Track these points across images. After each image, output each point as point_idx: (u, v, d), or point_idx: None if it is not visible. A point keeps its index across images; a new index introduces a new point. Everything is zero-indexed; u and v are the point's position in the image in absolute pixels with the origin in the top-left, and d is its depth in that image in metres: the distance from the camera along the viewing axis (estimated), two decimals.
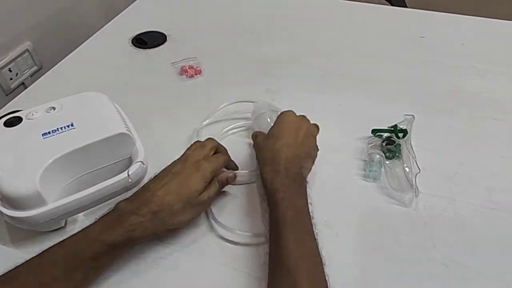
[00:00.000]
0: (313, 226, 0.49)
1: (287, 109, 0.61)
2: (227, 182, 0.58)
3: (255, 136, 0.62)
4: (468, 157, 0.66)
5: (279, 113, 0.63)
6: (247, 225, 0.58)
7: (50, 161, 0.51)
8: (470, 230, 0.56)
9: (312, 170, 0.63)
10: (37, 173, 0.50)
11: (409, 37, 0.94)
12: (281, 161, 0.54)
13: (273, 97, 0.77)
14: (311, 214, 0.51)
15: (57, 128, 0.54)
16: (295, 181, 0.53)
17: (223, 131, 0.70)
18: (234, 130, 0.71)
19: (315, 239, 0.48)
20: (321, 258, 0.46)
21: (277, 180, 0.52)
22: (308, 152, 0.59)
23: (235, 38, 0.96)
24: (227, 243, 0.56)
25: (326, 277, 0.45)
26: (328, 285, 0.44)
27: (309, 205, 0.52)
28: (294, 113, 0.62)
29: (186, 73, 0.83)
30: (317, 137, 0.67)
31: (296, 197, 0.51)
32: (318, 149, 0.62)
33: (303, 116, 0.63)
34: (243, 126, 0.72)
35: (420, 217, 0.58)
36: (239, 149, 0.68)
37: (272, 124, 0.64)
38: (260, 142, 0.60)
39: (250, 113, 0.71)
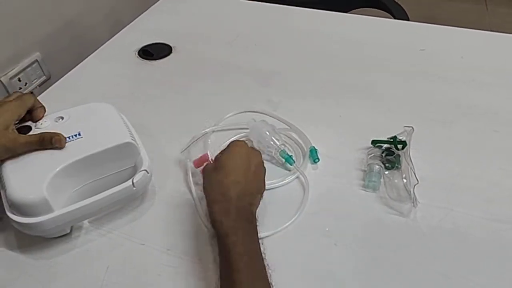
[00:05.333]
0: (267, 268, 0.48)
1: (239, 140, 0.57)
2: (50, 142, 0.54)
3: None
4: (466, 169, 0.67)
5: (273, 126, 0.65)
6: None
7: (58, 169, 0.52)
8: (469, 240, 0.57)
9: (312, 179, 0.65)
10: (45, 181, 0.51)
11: (410, 49, 0.95)
12: (231, 200, 0.50)
13: (274, 107, 0.79)
14: (263, 255, 0.50)
15: (65, 137, 0.56)
16: (247, 221, 0.51)
17: (226, 142, 0.71)
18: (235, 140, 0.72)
19: (268, 283, 0.47)
20: None
21: (228, 222, 0.49)
22: (259, 188, 0.56)
23: (239, 49, 0.98)
24: None
25: None
26: None
27: (261, 244, 0.50)
28: (246, 144, 0.57)
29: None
30: (318, 147, 0.69)
31: (248, 239, 0.49)
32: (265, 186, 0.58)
33: (254, 149, 0.59)
34: (244, 137, 0.73)
35: (418, 228, 0.59)
36: None
37: (271, 137, 0.67)
38: (210, 172, 0.55)
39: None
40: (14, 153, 0.53)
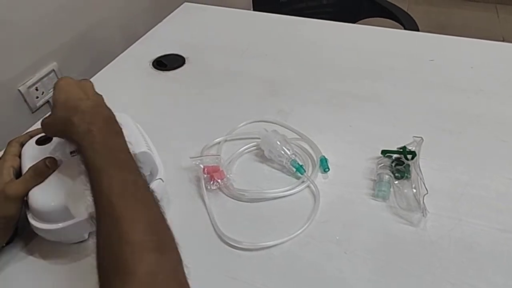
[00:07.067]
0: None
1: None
2: (47, 167, 0.54)
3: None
4: (475, 178, 0.68)
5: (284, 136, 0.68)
6: (254, 236, 0.60)
7: (77, 177, 0.54)
8: (477, 250, 0.58)
9: (323, 188, 0.66)
10: (65, 189, 0.53)
11: (419, 60, 0.96)
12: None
13: (285, 117, 0.81)
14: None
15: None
16: (104, 122, 0.49)
17: (239, 151, 0.73)
18: (246, 150, 0.74)
19: (140, 175, 0.45)
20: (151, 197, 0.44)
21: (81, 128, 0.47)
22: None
23: (250, 59, 1.00)
24: (233, 254, 0.59)
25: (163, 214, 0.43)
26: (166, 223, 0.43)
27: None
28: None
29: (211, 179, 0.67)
30: (328, 157, 0.71)
31: (106, 135, 0.48)
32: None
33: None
34: (254, 146, 0.74)
35: (428, 237, 0.60)
36: (250, 168, 0.72)
37: (282, 147, 0.69)
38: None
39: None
40: (20, 198, 0.53)
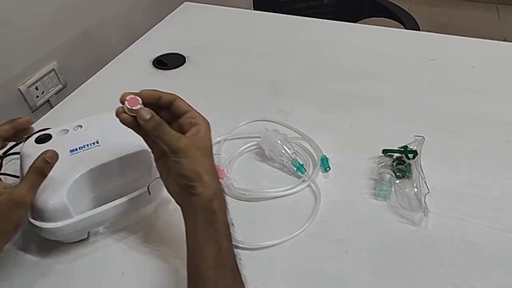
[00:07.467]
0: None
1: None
2: (47, 163, 0.50)
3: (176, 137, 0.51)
4: (476, 178, 0.67)
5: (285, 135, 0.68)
6: (254, 236, 0.60)
7: (77, 176, 0.54)
8: (479, 250, 0.57)
9: (323, 187, 0.66)
10: (65, 187, 0.53)
11: (420, 59, 0.96)
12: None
13: (286, 117, 0.80)
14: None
15: (84, 145, 0.58)
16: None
17: (239, 150, 0.73)
18: (247, 149, 0.74)
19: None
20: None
21: (219, 194, 0.49)
22: None
23: (251, 59, 0.99)
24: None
25: None
26: None
27: None
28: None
29: None
30: (329, 156, 0.70)
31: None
32: None
33: None
34: (255, 145, 0.74)
35: (429, 237, 0.59)
36: (250, 167, 0.71)
37: (283, 146, 0.68)
38: (196, 149, 0.51)
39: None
40: (30, 203, 0.50)
